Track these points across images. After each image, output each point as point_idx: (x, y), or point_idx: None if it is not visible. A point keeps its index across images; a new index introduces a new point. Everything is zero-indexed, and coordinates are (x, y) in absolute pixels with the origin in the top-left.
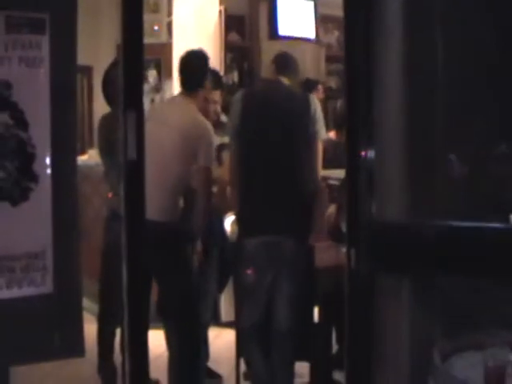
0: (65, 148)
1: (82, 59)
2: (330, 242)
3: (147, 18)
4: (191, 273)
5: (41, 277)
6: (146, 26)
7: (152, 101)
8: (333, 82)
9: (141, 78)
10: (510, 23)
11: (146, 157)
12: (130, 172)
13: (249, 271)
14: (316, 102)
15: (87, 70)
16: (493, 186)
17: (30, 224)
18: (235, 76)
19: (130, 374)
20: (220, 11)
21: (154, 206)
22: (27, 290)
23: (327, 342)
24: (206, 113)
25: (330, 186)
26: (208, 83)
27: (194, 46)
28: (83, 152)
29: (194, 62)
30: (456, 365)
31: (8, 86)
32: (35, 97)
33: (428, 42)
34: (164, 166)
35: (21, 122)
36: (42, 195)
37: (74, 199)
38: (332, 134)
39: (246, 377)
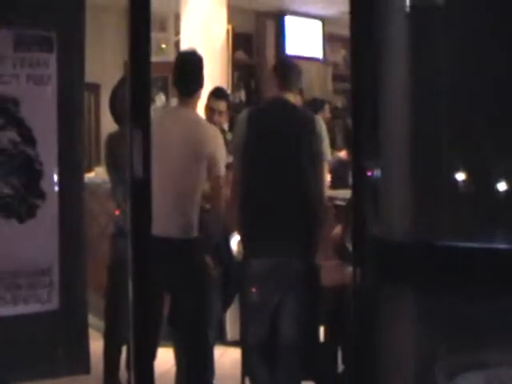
0: (72, 165)
1: (89, 77)
2: (336, 260)
3: (155, 36)
4: (205, 287)
5: (47, 293)
6: (153, 44)
7: None
8: (339, 101)
9: (148, 96)
10: None
11: (156, 172)
12: (136, 189)
13: (255, 291)
14: (321, 122)
15: (95, 88)
16: (502, 204)
17: (36, 241)
18: (242, 94)
19: None
20: (227, 30)
21: (170, 222)
22: (33, 307)
23: (333, 361)
24: (210, 123)
25: (336, 206)
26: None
27: None
28: (90, 169)
29: (193, 62)
30: None
31: (16, 103)
32: (43, 114)
33: (435, 57)
34: (176, 180)
35: (28, 138)
36: (49, 212)
37: (80, 216)
38: (343, 154)
39: None
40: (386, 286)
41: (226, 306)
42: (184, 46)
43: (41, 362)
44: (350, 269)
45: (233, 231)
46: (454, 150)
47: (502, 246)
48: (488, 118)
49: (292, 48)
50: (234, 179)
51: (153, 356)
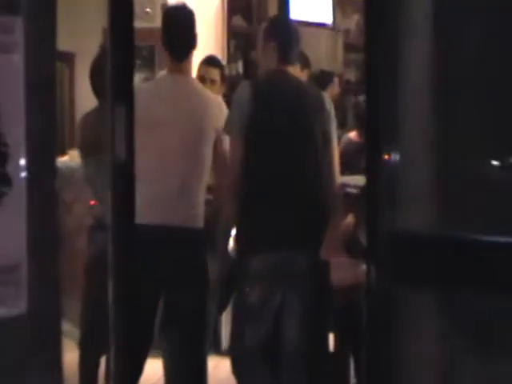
0: (42, 147)
1: (62, 44)
2: (346, 257)
3: None
4: (206, 286)
5: (13, 296)
6: (136, 8)
7: None
8: (351, 74)
9: (131, 68)
10: None
11: (155, 153)
12: (118, 175)
13: (254, 290)
14: (329, 99)
15: (68, 57)
16: None
17: (0, 234)
18: (240, 66)
19: None
20: None
21: (173, 209)
22: None
23: (344, 374)
24: None
25: (348, 194)
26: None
27: None
28: (63, 152)
29: (183, 16)
30: None
31: None
32: (7, 87)
33: (461, 31)
34: (180, 160)
35: None
36: (16, 201)
37: (52, 206)
38: (353, 135)
39: None
40: (405, 285)
41: (220, 309)
42: None
43: (5, 376)
44: (362, 266)
45: (232, 223)
46: (485, 132)
47: None
48: None
49: (297, 12)
50: (234, 161)
51: (138, 370)
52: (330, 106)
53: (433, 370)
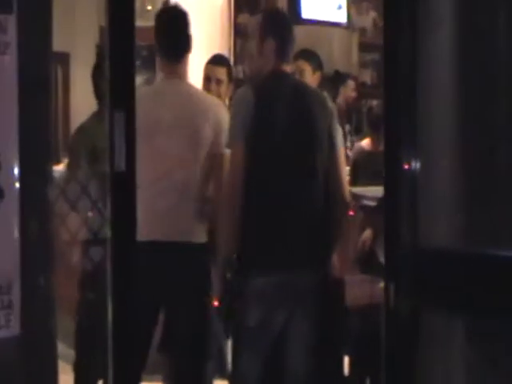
0: (36, 155)
1: (56, 44)
2: (363, 274)
3: None
4: (208, 305)
5: (5, 316)
6: (137, 5)
7: None
8: (367, 76)
9: (132, 70)
10: None
11: (150, 163)
12: (118, 185)
13: (254, 313)
14: (331, 101)
15: (63, 58)
16: None
17: None
18: (247, 68)
19: None
20: None
21: (171, 223)
22: None
23: None
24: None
25: (364, 207)
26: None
27: (196, 30)
28: (57, 160)
29: (177, 17)
30: None
31: None
32: None
33: (487, 25)
34: (175, 170)
35: None
36: (8, 213)
37: (47, 218)
38: (365, 143)
39: None
40: (427, 306)
41: (227, 330)
42: None
43: None
44: (380, 284)
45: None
46: None
47: None
48: None
49: (309, 10)
50: (236, 173)
51: None
52: (333, 108)
53: None
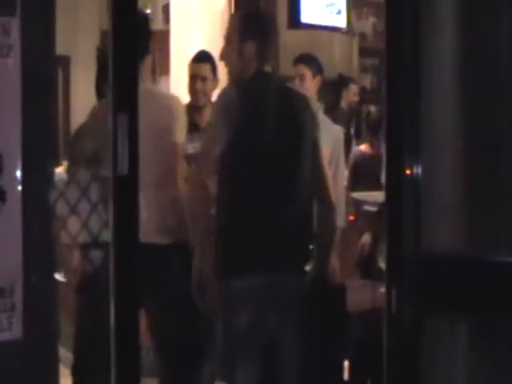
0: (39, 158)
1: (57, 47)
2: (363, 279)
3: None
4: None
5: (7, 319)
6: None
7: None
8: (367, 81)
9: (135, 73)
10: None
11: None
12: (120, 189)
13: (240, 316)
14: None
15: (64, 61)
16: None
17: None
18: None
19: None
20: None
21: (152, 225)
22: None
23: None
24: (192, 93)
25: (364, 212)
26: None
27: (197, 34)
28: (58, 163)
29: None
30: None
31: None
32: (2, 93)
33: (490, 29)
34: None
35: None
36: (10, 216)
37: (49, 221)
38: (364, 147)
39: None
40: (429, 311)
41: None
42: (174, 11)
43: None
44: (381, 289)
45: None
46: None
47: None
48: None
49: (308, 14)
50: (202, 176)
51: None
52: (316, 109)
53: None
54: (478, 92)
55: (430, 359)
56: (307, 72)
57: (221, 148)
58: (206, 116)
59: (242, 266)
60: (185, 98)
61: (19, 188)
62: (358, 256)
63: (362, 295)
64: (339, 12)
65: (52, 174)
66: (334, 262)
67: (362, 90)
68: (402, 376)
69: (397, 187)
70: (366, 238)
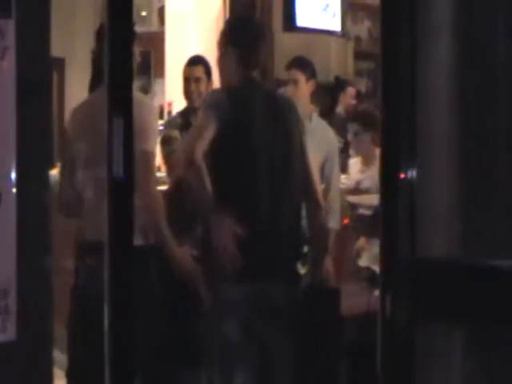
0: (35, 159)
1: (51, 49)
2: (357, 283)
3: (134, 1)
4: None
5: (2, 321)
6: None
7: None
8: (362, 85)
9: (130, 75)
10: None
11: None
12: (115, 192)
13: (229, 325)
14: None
15: (58, 63)
16: None
17: None
18: None
19: None
20: None
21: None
22: None
23: None
24: (187, 95)
25: (359, 216)
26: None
27: (192, 37)
28: (52, 164)
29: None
30: None
31: None
32: None
33: (486, 33)
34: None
35: None
36: (5, 218)
37: (44, 224)
38: None
39: None
40: (425, 316)
41: None
42: (170, 14)
43: None
44: (376, 294)
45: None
46: None
47: None
48: None
49: (304, 18)
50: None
51: None
52: (301, 114)
53: None
54: (474, 96)
55: (424, 366)
56: (300, 76)
57: (207, 145)
58: None
59: (233, 273)
60: (180, 99)
61: (14, 190)
62: (352, 259)
63: (356, 300)
64: (334, 15)
65: (47, 176)
66: (329, 265)
67: (357, 94)
68: (396, 381)
69: (392, 191)
70: (361, 243)
